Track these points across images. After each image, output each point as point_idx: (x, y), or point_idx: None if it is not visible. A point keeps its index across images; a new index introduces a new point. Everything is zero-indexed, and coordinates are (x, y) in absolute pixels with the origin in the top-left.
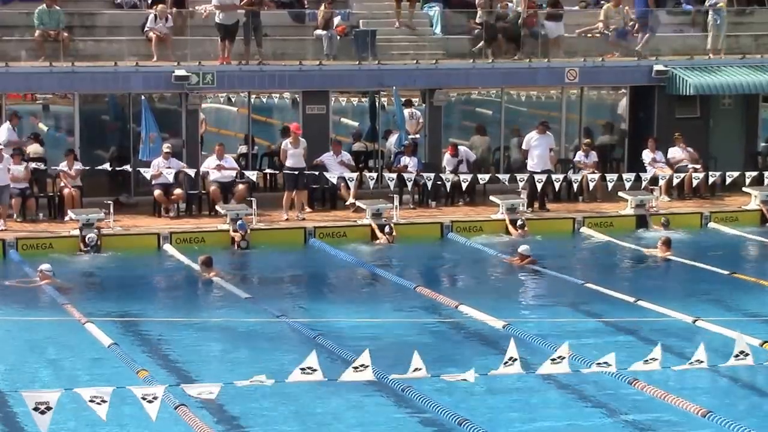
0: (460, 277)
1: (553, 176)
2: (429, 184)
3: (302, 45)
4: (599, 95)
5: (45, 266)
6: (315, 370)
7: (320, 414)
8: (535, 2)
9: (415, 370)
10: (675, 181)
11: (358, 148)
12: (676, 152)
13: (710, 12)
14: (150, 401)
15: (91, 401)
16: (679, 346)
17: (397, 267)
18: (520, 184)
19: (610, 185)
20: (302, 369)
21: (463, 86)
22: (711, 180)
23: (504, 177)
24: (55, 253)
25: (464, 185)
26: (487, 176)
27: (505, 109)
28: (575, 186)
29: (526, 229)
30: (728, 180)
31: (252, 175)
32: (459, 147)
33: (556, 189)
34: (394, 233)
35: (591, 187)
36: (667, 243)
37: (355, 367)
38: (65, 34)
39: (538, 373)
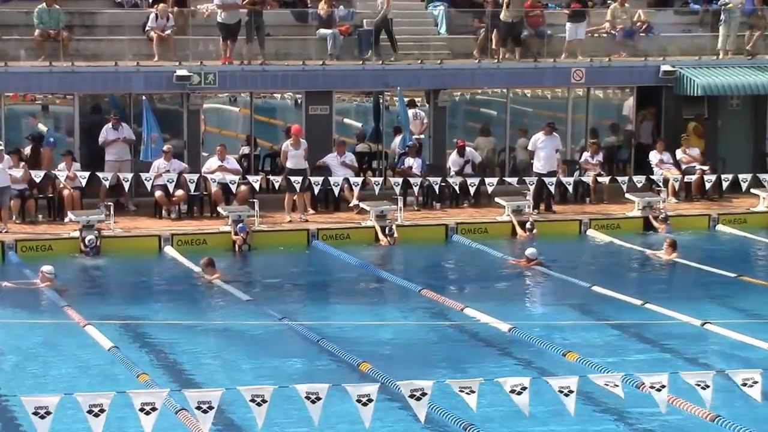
0: (466, 279)
1: (563, 179)
2: (434, 186)
3: (305, 45)
4: (606, 95)
5: (47, 268)
6: (319, 399)
7: (323, 418)
8: (541, 2)
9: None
10: (684, 184)
11: (362, 149)
12: (681, 154)
13: (722, 12)
14: (148, 412)
15: (89, 411)
16: (687, 349)
17: (402, 269)
18: (531, 189)
19: (623, 187)
20: (308, 394)
21: (468, 86)
22: (725, 184)
23: (512, 180)
24: (55, 255)
25: (472, 189)
26: (495, 180)
27: (510, 110)
28: (590, 187)
29: (534, 231)
30: (743, 185)
31: (256, 182)
32: (466, 148)
33: (569, 191)
34: (395, 235)
35: (597, 188)
36: (673, 245)
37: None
38: (65, 34)
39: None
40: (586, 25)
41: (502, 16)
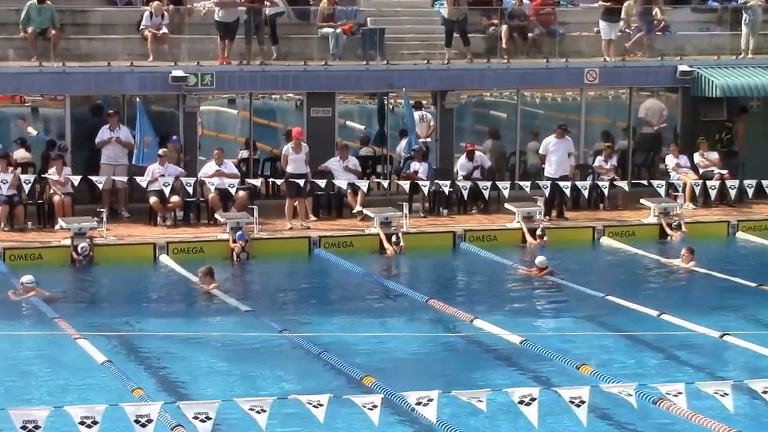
0: (475, 289)
1: (578, 183)
2: (443, 190)
3: (307, 44)
4: (619, 96)
5: (26, 278)
6: (321, 405)
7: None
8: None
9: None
10: (710, 190)
11: (366, 152)
12: (698, 158)
13: (743, 11)
14: (143, 425)
15: (81, 423)
16: (706, 362)
17: (408, 279)
18: (545, 194)
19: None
20: (309, 401)
21: (477, 88)
22: (750, 190)
23: (524, 184)
24: (45, 264)
25: (486, 192)
26: (507, 183)
27: (520, 112)
28: (606, 192)
29: (545, 238)
30: None
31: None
32: (475, 152)
33: (583, 196)
34: (401, 243)
35: (612, 194)
36: (692, 251)
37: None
38: (53, 32)
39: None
40: (619, 25)
41: (446, 14)
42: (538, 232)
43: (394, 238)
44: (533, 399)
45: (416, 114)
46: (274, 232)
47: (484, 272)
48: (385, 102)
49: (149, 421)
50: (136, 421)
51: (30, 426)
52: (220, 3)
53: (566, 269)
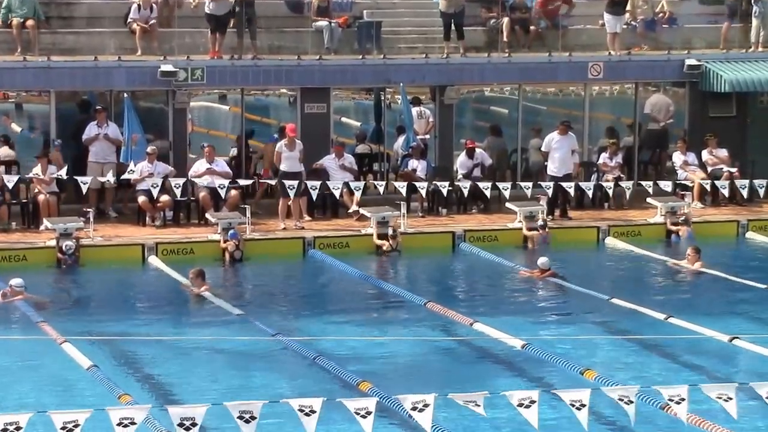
0: (475, 291)
1: (582, 183)
2: (442, 189)
3: (300, 37)
4: (625, 91)
5: (15, 281)
6: (314, 412)
7: None
8: None
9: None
10: (720, 189)
11: (362, 150)
12: (707, 155)
13: (753, 2)
14: (125, 426)
15: (62, 429)
16: (714, 367)
17: (406, 280)
18: (547, 194)
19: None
20: (300, 407)
21: (477, 82)
22: (762, 189)
23: (526, 185)
24: (30, 266)
25: (488, 192)
26: (508, 185)
27: (522, 108)
28: (610, 192)
29: (547, 230)
30: None
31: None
32: (476, 149)
33: (588, 196)
34: (398, 238)
35: (617, 193)
36: (697, 251)
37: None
38: (30, 23)
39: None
40: (624, 18)
41: (442, 7)
42: (540, 222)
43: (390, 231)
44: (533, 401)
45: (414, 110)
46: (267, 232)
47: (484, 274)
48: (382, 98)
49: (132, 423)
50: (119, 424)
51: (11, 428)
52: None
53: (570, 271)
